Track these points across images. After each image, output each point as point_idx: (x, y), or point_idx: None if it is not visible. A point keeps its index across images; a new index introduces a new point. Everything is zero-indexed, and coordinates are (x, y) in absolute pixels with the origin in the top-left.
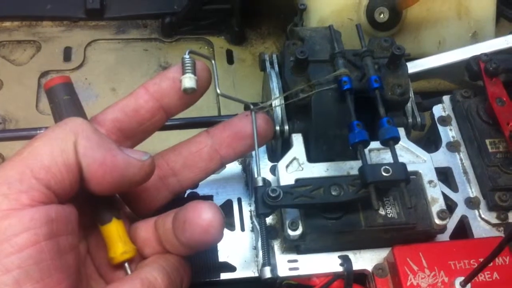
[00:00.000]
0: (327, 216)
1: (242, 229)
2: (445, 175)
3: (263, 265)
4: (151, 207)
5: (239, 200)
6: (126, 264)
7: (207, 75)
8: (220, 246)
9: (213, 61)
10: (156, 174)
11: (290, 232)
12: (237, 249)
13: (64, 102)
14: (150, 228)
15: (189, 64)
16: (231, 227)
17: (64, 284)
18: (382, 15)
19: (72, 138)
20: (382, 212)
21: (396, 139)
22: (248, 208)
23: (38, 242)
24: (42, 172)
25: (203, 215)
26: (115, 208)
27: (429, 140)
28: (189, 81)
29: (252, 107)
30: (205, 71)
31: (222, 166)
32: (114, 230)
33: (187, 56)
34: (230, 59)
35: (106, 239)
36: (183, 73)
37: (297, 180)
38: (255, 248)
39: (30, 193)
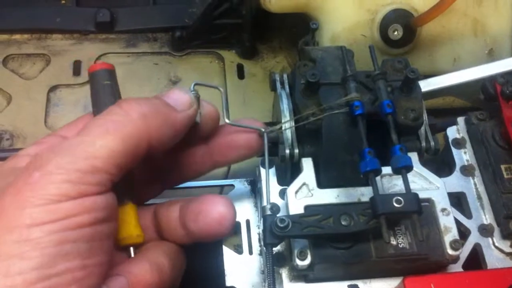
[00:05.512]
0: (336, 246)
1: (250, 252)
2: (458, 199)
3: None
4: (143, 199)
5: (248, 222)
6: (132, 247)
7: (213, 124)
8: (228, 269)
9: (221, 89)
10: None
11: (299, 262)
12: (245, 273)
13: (103, 87)
14: (149, 215)
15: None
16: (239, 250)
17: (105, 265)
18: (396, 32)
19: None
20: (393, 242)
21: (409, 168)
22: (256, 231)
23: (95, 224)
24: (111, 165)
25: (218, 208)
26: (132, 190)
27: (443, 162)
28: None
29: (263, 130)
30: (213, 121)
31: (213, 169)
32: (131, 212)
33: (192, 89)
34: (241, 74)
35: (120, 220)
36: None
37: (306, 207)
38: (263, 272)
39: (98, 186)
